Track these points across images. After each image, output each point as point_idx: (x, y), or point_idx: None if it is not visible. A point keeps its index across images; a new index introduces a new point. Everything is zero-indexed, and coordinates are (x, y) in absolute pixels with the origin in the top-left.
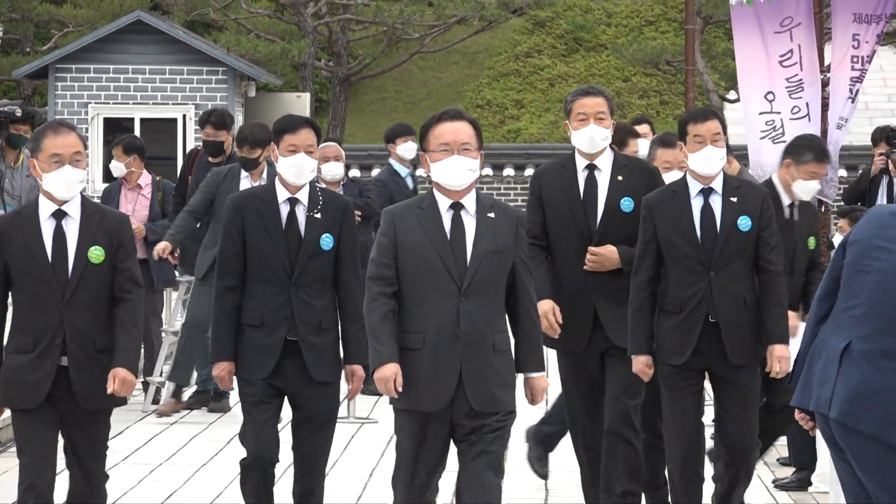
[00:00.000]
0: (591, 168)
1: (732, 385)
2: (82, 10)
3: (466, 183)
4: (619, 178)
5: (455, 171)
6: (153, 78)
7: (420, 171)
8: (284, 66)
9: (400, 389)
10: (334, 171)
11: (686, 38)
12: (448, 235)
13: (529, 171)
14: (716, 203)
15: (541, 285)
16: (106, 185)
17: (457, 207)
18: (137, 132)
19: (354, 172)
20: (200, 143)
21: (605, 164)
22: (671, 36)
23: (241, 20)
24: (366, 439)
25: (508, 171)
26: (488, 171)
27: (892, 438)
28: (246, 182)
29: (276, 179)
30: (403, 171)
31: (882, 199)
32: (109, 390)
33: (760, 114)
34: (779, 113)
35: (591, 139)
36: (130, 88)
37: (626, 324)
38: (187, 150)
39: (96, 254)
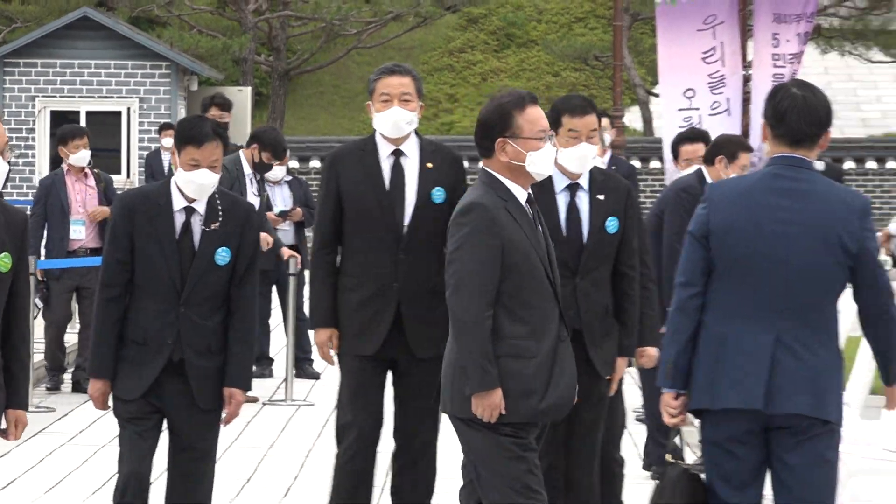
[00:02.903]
0: (398, 154)
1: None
2: (30, 7)
3: None
4: (429, 165)
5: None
6: (98, 72)
7: None
8: (226, 60)
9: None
10: (279, 173)
11: (614, 34)
12: None
13: (464, 164)
14: (582, 201)
15: (324, 308)
16: None
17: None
18: (83, 125)
19: (293, 164)
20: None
21: (411, 149)
22: (599, 32)
23: (184, 16)
24: (302, 422)
25: None
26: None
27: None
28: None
29: (173, 183)
30: None
31: None
32: (11, 438)
33: (679, 110)
34: (697, 109)
35: (394, 123)
36: (76, 82)
37: (430, 331)
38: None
39: (5, 262)
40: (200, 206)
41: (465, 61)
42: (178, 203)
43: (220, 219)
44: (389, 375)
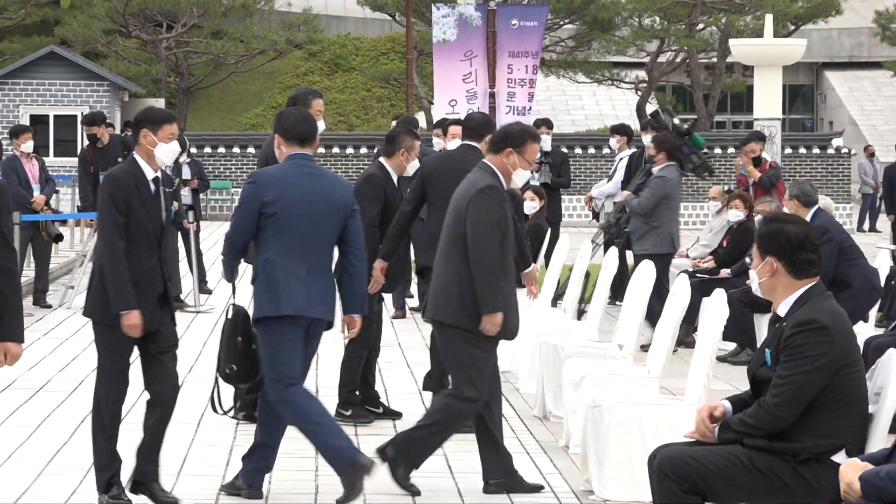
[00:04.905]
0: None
1: None
2: (15, 44)
3: None
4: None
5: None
6: (61, 88)
7: None
8: (147, 81)
9: None
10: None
11: (407, 63)
12: None
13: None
14: None
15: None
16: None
17: None
18: (52, 124)
19: (193, 150)
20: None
21: None
22: (397, 62)
23: (119, 51)
24: (202, 322)
25: None
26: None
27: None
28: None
29: (139, 159)
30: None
31: None
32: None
33: (446, 114)
34: (458, 114)
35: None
36: (46, 95)
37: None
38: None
39: None
40: (158, 174)
41: (308, 81)
42: (149, 174)
43: (173, 185)
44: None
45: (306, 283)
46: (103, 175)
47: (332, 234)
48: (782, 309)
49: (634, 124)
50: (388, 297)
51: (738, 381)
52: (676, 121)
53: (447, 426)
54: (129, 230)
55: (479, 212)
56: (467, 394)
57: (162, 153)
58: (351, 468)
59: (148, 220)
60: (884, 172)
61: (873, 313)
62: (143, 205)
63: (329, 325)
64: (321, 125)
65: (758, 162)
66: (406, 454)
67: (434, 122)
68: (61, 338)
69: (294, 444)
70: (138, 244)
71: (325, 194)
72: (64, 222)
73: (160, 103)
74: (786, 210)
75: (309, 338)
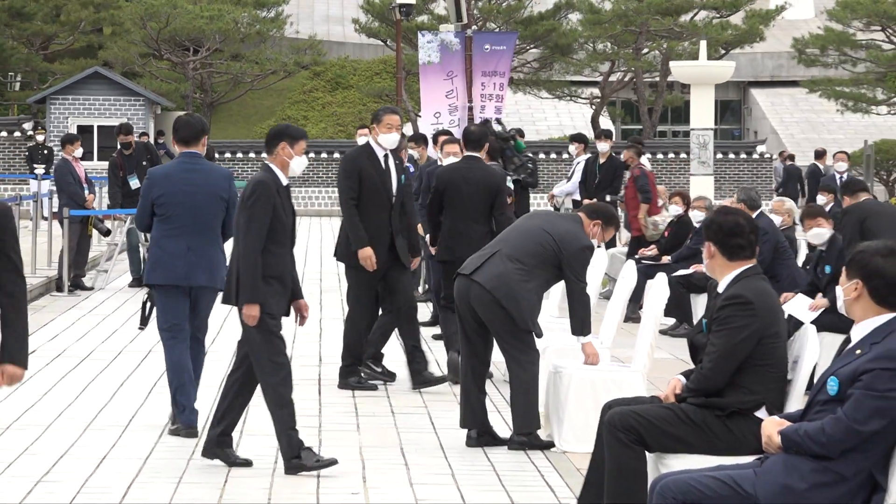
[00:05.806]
0: (386, 156)
1: None
2: (65, 66)
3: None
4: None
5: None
6: (105, 102)
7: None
8: (176, 97)
9: None
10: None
11: (397, 82)
12: None
13: (311, 155)
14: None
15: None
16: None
17: None
18: (95, 133)
19: (216, 155)
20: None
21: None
22: (389, 80)
23: (153, 71)
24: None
25: None
26: None
27: None
28: None
29: (275, 168)
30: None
31: None
32: None
33: (431, 125)
34: (441, 124)
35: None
36: (91, 108)
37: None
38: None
39: None
40: (287, 182)
41: (313, 97)
42: (283, 181)
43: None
44: None
45: (185, 258)
46: (130, 178)
47: (210, 216)
48: (721, 286)
49: (589, 133)
50: None
51: (678, 350)
52: (500, 128)
53: (534, 383)
54: (273, 230)
55: (582, 266)
56: (529, 353)
57: (296, 164)
58: (185, 429)
59: (286, 220)
60: (807, 174)
61: None
62: (283, 207)
63: (216, 291)
64: (394, 138)
65: (626, 166)
66: (528, 422)
67: (418, 131)
68: (103, 314)
69: (298, 406)
70: (279, 243)
71: (202, 185)
72: (110, 216)
73: None
74: None
75: (194, 301)
